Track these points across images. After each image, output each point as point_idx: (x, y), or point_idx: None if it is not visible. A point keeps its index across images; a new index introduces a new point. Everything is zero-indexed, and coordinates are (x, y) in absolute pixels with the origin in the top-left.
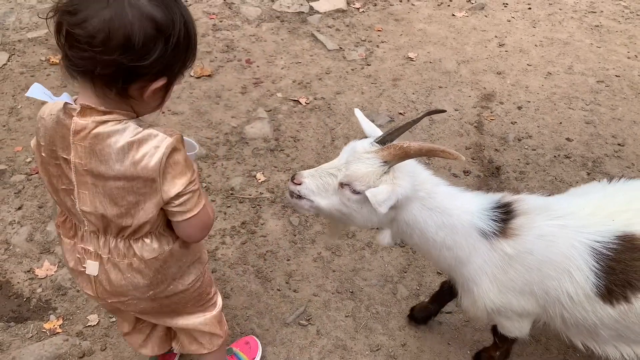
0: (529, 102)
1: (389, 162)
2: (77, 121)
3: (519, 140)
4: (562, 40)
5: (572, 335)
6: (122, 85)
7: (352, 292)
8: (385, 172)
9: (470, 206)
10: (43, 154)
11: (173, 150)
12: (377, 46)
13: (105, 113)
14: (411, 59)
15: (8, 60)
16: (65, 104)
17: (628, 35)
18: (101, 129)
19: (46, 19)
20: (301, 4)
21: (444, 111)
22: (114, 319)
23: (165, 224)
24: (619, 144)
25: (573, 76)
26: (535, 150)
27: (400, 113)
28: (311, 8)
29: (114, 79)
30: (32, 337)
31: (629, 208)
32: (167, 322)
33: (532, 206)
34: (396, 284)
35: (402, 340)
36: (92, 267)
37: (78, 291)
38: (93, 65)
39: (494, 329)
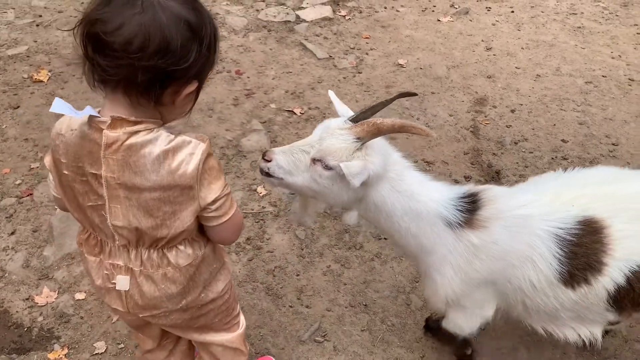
0: (522, 105)
1: (362, 139)
2: (108, 134)
3: (516, 143)
4: (548, 42)
5: (533, 321)
6: (158, 92)
7: (365, 305)
8: (357, 149)
9: (437, 194)
10: (65, 172)
11: (208, 155)
12: (367, 53)
13: (136, 123)
14: (401, 66)
15: None
16: (91, 117)
17: (610, 35)
18: (134, 139)
19: (73, 29)
20: (287, 13)
21: (415, 94)
22: (122, 346)
23: (197, 229)
24: (613, 144)
25: (562, 78)
26: (532, 152)
27: None
28: (297, 17)
29: (151, 85)
30: None
31: (584, 194)
32: (194, 336)
33: (497, 196)
34: (409, 294)
35: (420, 352)
36: (122, 282)
37: (82, 318)
38: (131, 72)
39: (441, 332)
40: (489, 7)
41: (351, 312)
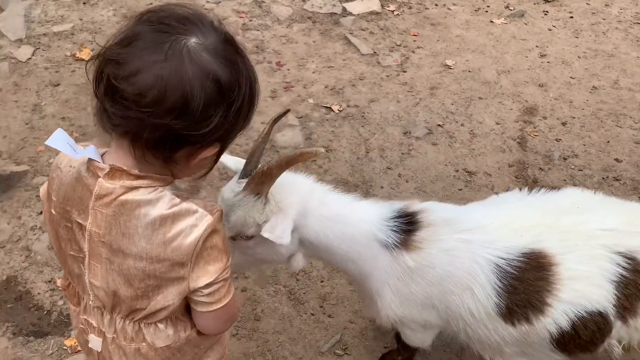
0: (574, 117)
1: (262, 193)
2: (103, 184)
3: (565, 159)
4: (607, 52)
5: (479, 349)
6: (167, 153)
7: None
8: (265, 203)
9: (367, 214)
10: (53, 211)
11: (213, 231)
12: (413, 52)
13: (138, 177)
14: (449, 67)
15: (32, 55)
16: (90, 160)
17: None
18: (130, 196)
19: (87, 62)
20: (334, 5)
21: (287, 111)
22: None
23: (184, 308)
24: None
25: (620, 91)
26: (582, 170)
27: (439, 125)
28: (344, 9)
29: (159, 145)
30: (52, 354)
31: (541, 222)
32: None
33: (437, 218)
34: None
35: None
36: (95, 342)
37: None
38: (138, 127)
39: (397, 336)
40: (546, 11)
41: (374, 327)
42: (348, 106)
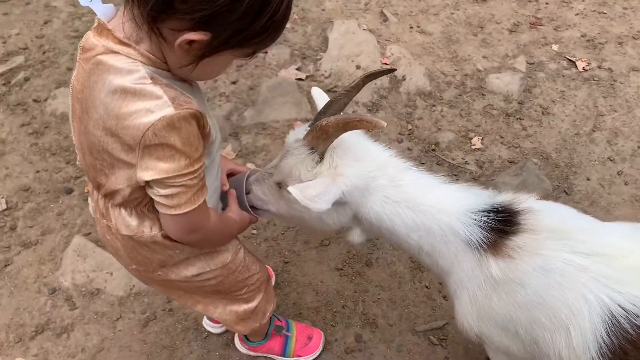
0: None
1: (318, 149)
2: (89, 38)
3: None
4: None
5: None
6: (153, 12)
7: None
8: (317, 161)
9: (450, 203)
10: None
11: (168, 126)
12: None
13: (121, 43)
14: None
15: None
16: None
17: None
18: (106, 57)
19: None
20: None
21: (393, 70)
22: None
23: (153, 204)
24: None
25: None
26: None
27: None
28: None
29: (146, 2)
30: None
31: None
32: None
33: (547, 225)
34: None
35: None
36: (90, 206)
37: None
38: None
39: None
40: None
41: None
42: (599, 67)
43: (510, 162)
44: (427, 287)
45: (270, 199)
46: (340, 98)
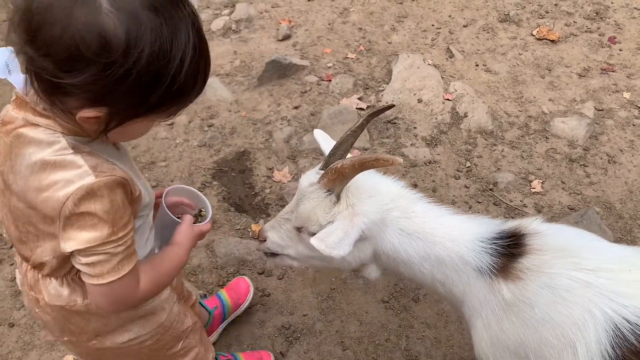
0: None
1: (334, 190)
2: (9, 111)
3: None
4: None
5: None
6: (47, 92)
7: None
8: (335, 202)
9: (459, 233)
10: None
11: (88, 195)
12: None
13: (41, 115)
14: None
15: None
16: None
17: None
18: (26, 130)
19: None
20: None
21: (392, 106)
22: None
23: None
24: None
25: None
26: None
27: None
28: None
29: (40, 81)
30: (238, 229)
31: None
32: None
33: (551, 245)
34: None
35: None
36: (17, 279)
37: None
38: (20, 50)
39: None
40: None
41: None
42: None
43: (570, 209)
44: None
45: (289, 244)
46: (347, 139)
